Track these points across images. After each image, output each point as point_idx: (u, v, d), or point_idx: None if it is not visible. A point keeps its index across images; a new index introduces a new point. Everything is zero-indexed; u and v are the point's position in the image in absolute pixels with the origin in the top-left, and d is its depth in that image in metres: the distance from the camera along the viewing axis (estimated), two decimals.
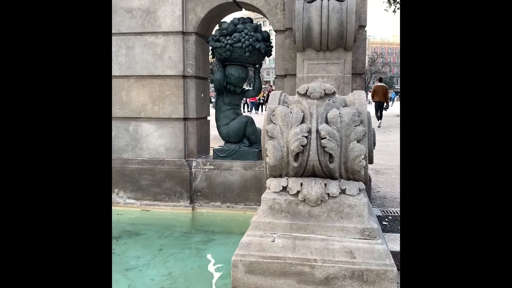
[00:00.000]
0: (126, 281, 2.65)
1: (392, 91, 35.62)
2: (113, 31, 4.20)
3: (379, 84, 13.03)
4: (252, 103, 22.41)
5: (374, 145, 2.14)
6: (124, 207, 4.25)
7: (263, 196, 1.91)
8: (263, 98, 21.62)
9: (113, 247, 3.27)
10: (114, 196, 4.31)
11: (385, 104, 13.54)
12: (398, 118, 10.91)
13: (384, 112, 13.72)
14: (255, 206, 3.98)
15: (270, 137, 1.90)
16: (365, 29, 3.87)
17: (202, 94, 4.45)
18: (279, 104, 1.97)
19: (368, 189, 3.97)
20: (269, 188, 1.93)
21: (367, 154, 1.84)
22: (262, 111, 22.20)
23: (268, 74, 52.67)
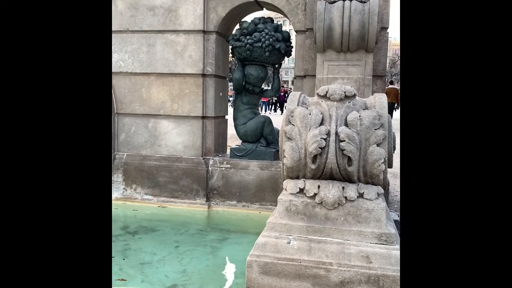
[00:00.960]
0: (141, 276, 2.68)
1: None
2: (135, 28, 4.25)
3: (391, 86, 13.85)
4: (263, 102, 22.37)
5: (395, 149, 2.11)
6: (141, 203, 4.30)
7: (279, 197, 1.90)
8: (276, 98, 21.51)
9: (129, 242, 3.31)
10: (131, 191, 4.37)
11: (396, 104, 14.45)
12: None
13: (395, 113, 14.57)
14: (270, 207, 3.97)
15: (288, 138, 1.89)
16: (387, 30, 3.82)
17: (221, 93, 4.46)
18: (298, 105, 1.96)
19: (386, 193, 3.92)
20: (285, 189, 1.92)
21: (386, 158, 1.82)
22: (272, 111, 22.18)
23: (286, 74, 52.56)
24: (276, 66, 4.47)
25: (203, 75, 4.21)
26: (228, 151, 4.49)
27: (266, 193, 4.07)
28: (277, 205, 1.92)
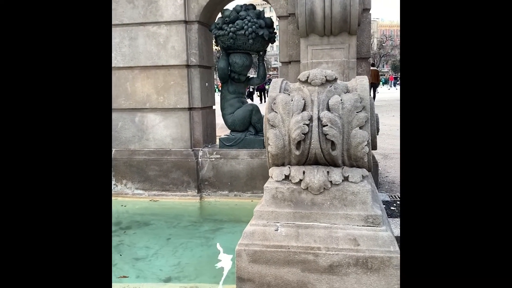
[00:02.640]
0: (135, 271, 2.68)
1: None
2: (115, 22, 4.18)
3: (372, 68, 14.28)
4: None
5: (378, 131, 2.11)
6: (133, 198, 4.29)
7: (265, 185, 1.90)
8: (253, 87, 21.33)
9: (122, 237, 3.31)
10: (122, 187, 4.35)
11: (377, 84, 15.49)
12: None
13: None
14: (262, 194, 3.97)
15: (272, 125, 1.88)
16: (370, 12, 3.80)
17: (206, 83, 4.43)
18: (280, 92, 1.95)
19: (376, 175, 3.95)
20: (271, 177, 1.92)
21: (370, 140, 1.81)
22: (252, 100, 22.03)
23: (276, 61, 52.24)
24: (261, 53, 4.43)
25: (188, 66, 4.17)
26: (218, 141, 4.48)
27: (257, 181, 4.08)
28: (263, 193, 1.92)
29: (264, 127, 1.98)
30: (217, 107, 4.68)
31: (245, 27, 3.95)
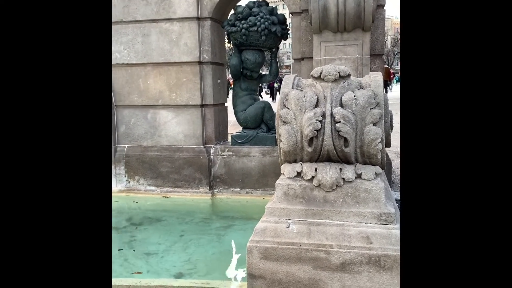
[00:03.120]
0: (147, 267, 2.69)
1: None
2: (129, 19, 4.21)
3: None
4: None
5: (392, 128, 2.08)
6: (145, 194, 4.32)
7: (277, 182, 1.89)
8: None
9: (134, 233, 3.33)
10: (134, 183, 4.38)
11: (388, 82, 15.73)
12: None
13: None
14: (273, 192, 3.97)
15: (284, 122, 1.86)
16: (384, 8, 3.75)
17: (219, 80, 4.43)
18: (292, 88, 1.93)
19: (389, 173, 3.90)
20: (283, 173, 1.91)
21: (383, 137, 1.79)
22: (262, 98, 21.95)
23: (288, 59, 52.06)
24: (273, 50, 4.41)
25: (200, 63, 4.17)
26: (229, 138, 4.48)
27: (269, 178, 4.06)
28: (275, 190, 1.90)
29: (276, 123, 1.96)
30: (229, 104, 4.67)
31: (258, 23, 3.93)
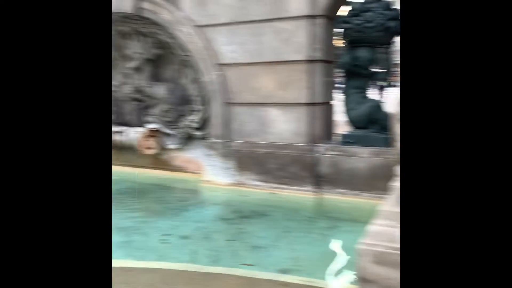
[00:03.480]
0: (252, 259, 2.76)
1: None
2: (243, 19, 4.37)
3: None
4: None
5: None
6: (252, 189, 4.45)
7: (394, 184, 1.79)
8: None
9: (242, 225, 3.45)
10: (243, 178, 4.54)
11: None
12: None
13: None
14: (383, 195, 3.78)
15: None
16: None
17: (328, 78, 4.37)
18: None
19: None
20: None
21: None
22: None
23: None
24: (387, 46, 4.20)
25: (310, 61, 4.15)
26: (338, 137, 4.39)
27: (379, 181, 3.87)
28: (390, 193, 1.80)
29: (392, 122, 1.86)
30: (337, 102, 4.58)
31: (373, 19, 3.78)
